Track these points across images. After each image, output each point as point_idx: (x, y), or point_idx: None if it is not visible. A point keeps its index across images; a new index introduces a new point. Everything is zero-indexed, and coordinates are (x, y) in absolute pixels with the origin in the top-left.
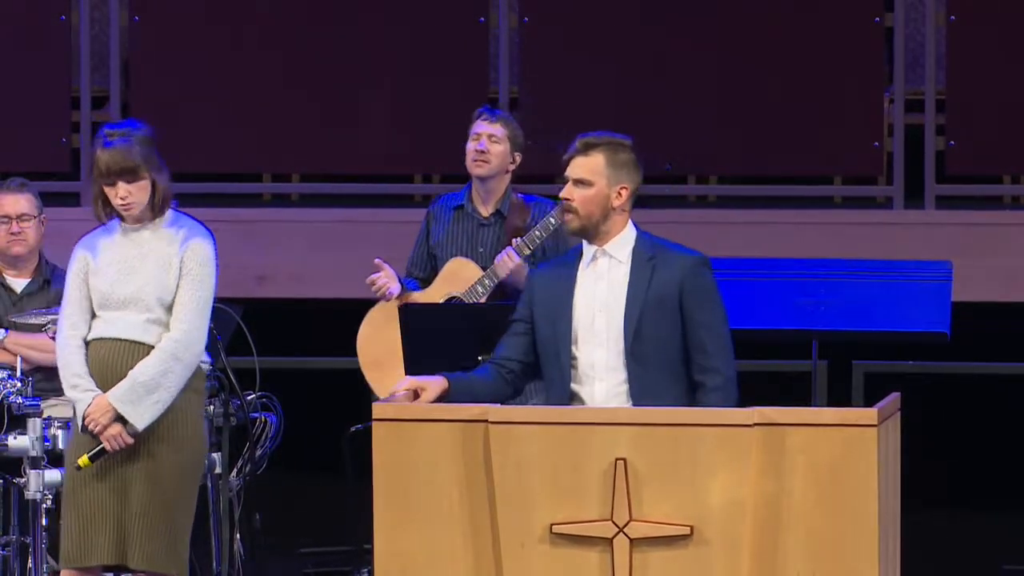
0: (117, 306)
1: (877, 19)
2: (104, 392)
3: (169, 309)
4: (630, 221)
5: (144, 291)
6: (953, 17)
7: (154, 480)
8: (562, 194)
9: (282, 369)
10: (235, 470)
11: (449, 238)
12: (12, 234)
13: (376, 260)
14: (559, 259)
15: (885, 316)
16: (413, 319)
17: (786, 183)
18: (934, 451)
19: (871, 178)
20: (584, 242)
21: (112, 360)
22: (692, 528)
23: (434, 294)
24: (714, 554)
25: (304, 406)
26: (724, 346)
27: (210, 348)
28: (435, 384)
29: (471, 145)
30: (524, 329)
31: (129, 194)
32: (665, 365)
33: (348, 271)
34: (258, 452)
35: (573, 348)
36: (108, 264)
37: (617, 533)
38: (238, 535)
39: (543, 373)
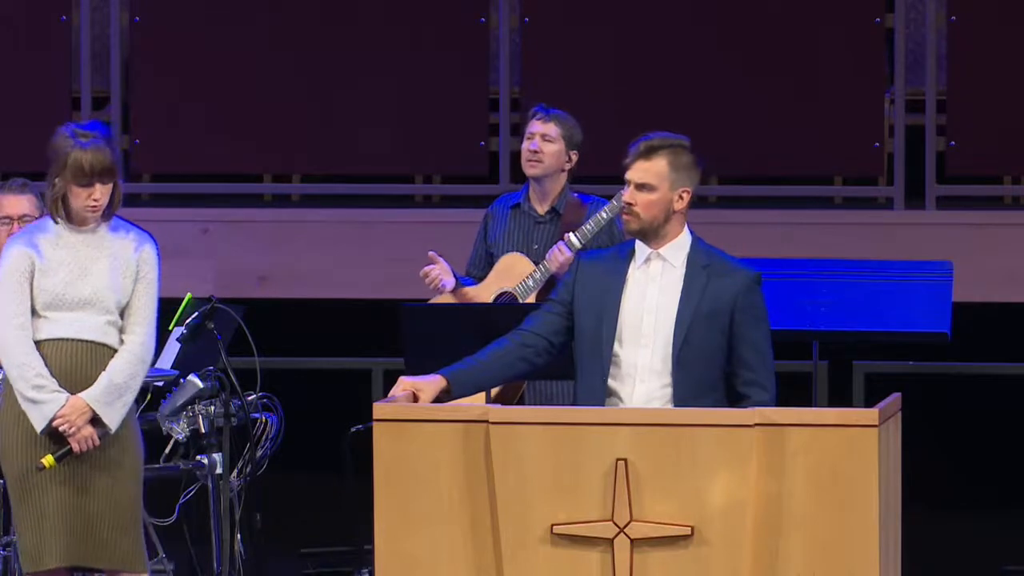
0: (70, 307)
1: (878, 20)
2: (69, 394)
3: (122, 312)
4: (687, 226)
5: (103, 293)
6: (953, 18)
7: (117, 480)
8: (625, 198)
9: (283, 369)
10: (236, 470)
11: (505, 236)
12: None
13: (430, 253)
14: (610, 251)
15: (886, 316)
16: (410, 321)
17: (786, 183)
18: (935, 451)
19: (872, 178)
20: (638, 241)
21: (78, 362)
22: (693, 529)
23: (487, 289)
24: (715, 555)
25: (305, 406)
26: (769, 364)
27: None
28: (431, 385)
29: (525, 144)
30: (560, 311)
31: (102, 195)
32: (707, 374)
33: (349, 271)
34: (259, 452)
35: (616, 346)
36: (58, 264)
37: (618, 533)
38: (239, 535)
39: (579, 364)
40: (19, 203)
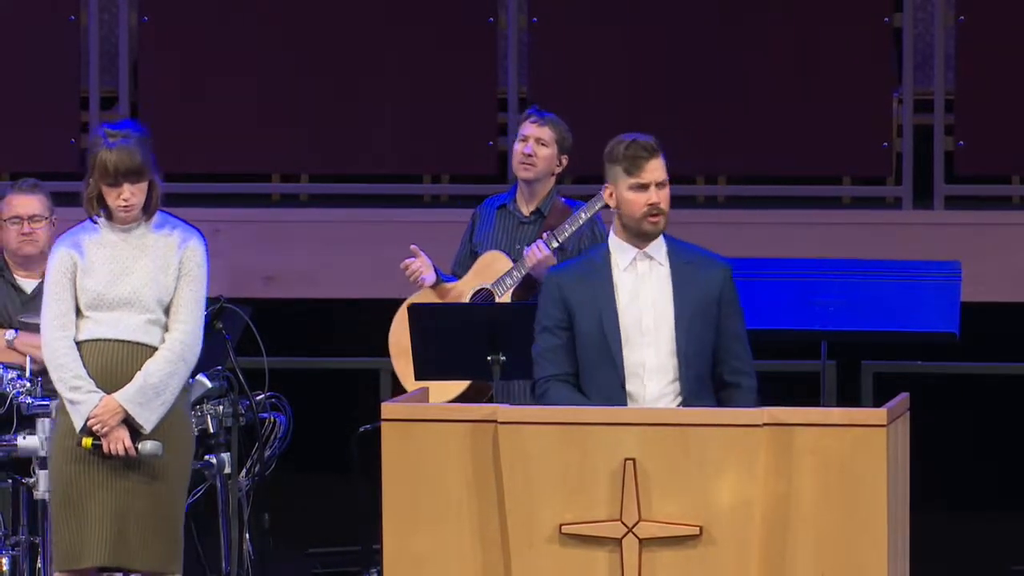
0: (110, 306)
1: (886, 19)
2: (106, 394)
3: (166, 310)
4: None
5: (142, 292)
6: (962, 17)
7: (157, 481)
8: (652, 200)
9: (291, 369)
10: (244, 470)
11: (490, 236)
12: (23, 235)
13: (412, 246)
14: (578, 260)
15: (894, 316)
16: (422, 319)
17: (795, 183)
18: (943, 451)
19: (880, 178)
20: (614, 243)
21: (116, 361)
22: (701, 528)
23: (466, 285)
24: (723, 554)
25: (313, 406)
26: (750, 353)
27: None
28: None
29: (518, 147)
30: (564, 337)
31: (132, 195)
32: (703, 367)
33: (357, 271)
34: (267, 452)
35: (623, 348)
36: (99, 264)
37: (626, 533)
38: (247, 535)
39: (587, 368)
40: (29, 203)
